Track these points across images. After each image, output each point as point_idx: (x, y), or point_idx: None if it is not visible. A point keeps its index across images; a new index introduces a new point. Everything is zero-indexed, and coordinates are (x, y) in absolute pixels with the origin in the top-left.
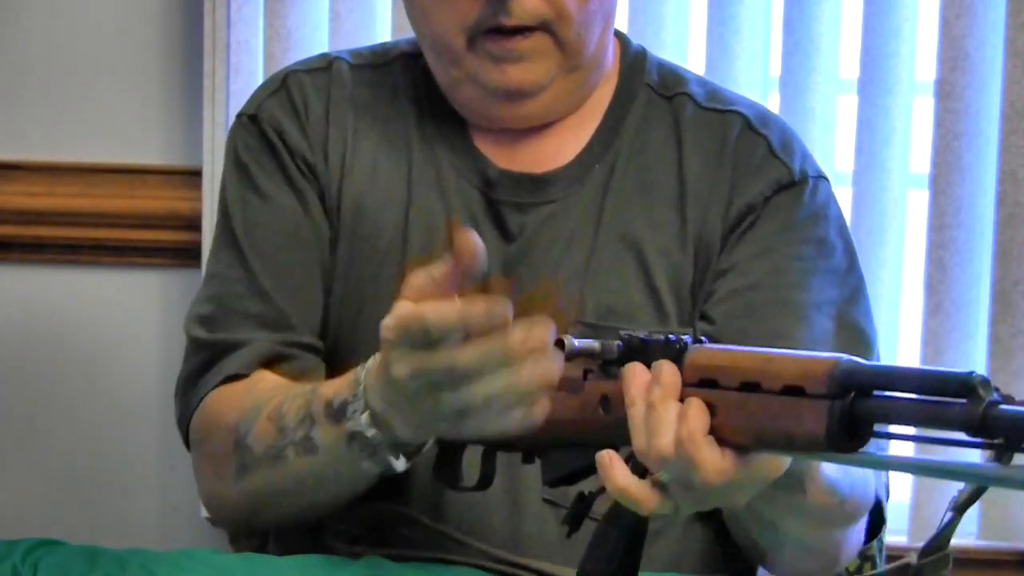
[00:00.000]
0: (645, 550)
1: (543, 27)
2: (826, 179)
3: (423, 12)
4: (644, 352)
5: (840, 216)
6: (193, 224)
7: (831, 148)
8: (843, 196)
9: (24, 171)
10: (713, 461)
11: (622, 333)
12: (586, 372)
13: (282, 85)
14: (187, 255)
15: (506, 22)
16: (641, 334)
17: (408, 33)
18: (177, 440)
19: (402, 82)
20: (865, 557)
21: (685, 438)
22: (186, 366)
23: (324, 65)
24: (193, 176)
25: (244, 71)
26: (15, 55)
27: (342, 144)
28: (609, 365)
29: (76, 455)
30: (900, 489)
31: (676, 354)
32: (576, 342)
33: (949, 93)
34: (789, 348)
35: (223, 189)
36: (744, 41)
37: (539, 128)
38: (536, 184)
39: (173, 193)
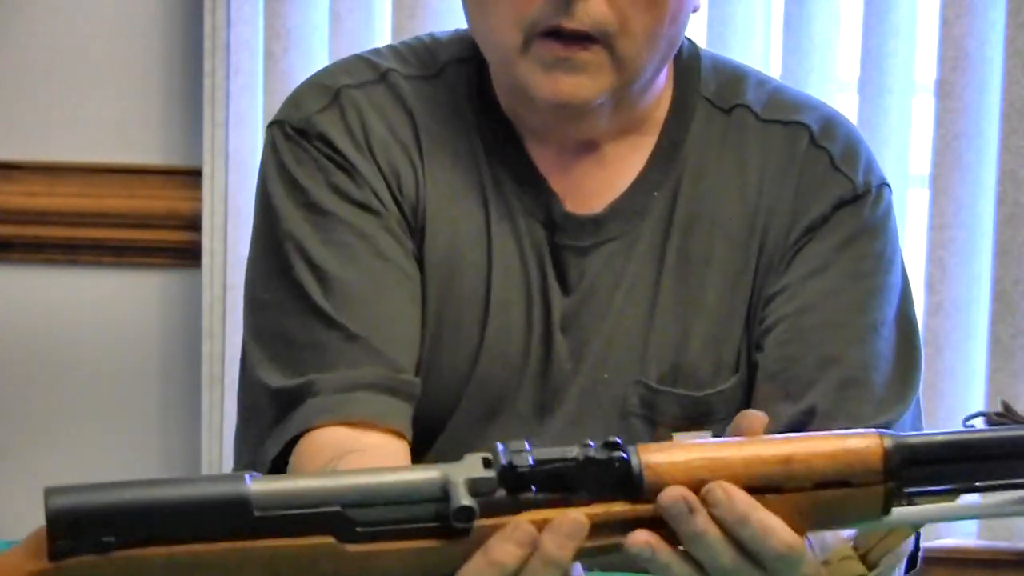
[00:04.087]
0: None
1: (603, 40)
2: (888, 186)
3: (480, 5)
4: (557, 476)
5: (896, 227)
6: (193, 224)
7: None
8: None
9: (24, 171)
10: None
11: (508, 461)
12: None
13: (334, 101)
14: (187, 255)
15: (567, 24)
16: (527, 458)
17: (407, 34)
18: (177, 440)
19: (459, 96)
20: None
21: (749, 517)
22: (255, 416)
23: (376, 77)
24: (193, 176)
25: (244, 71)
26: (15, 55)
27: (412, 171)
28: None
29: (76, 455)
30: None
31: (621, 476)
32: (469, 503)
33: (949, 93)
34: (842, 374)
35: (269, 208)
36: (744, 41)
37: (596, 145)
38: (597, 224)
39: (173, 193)
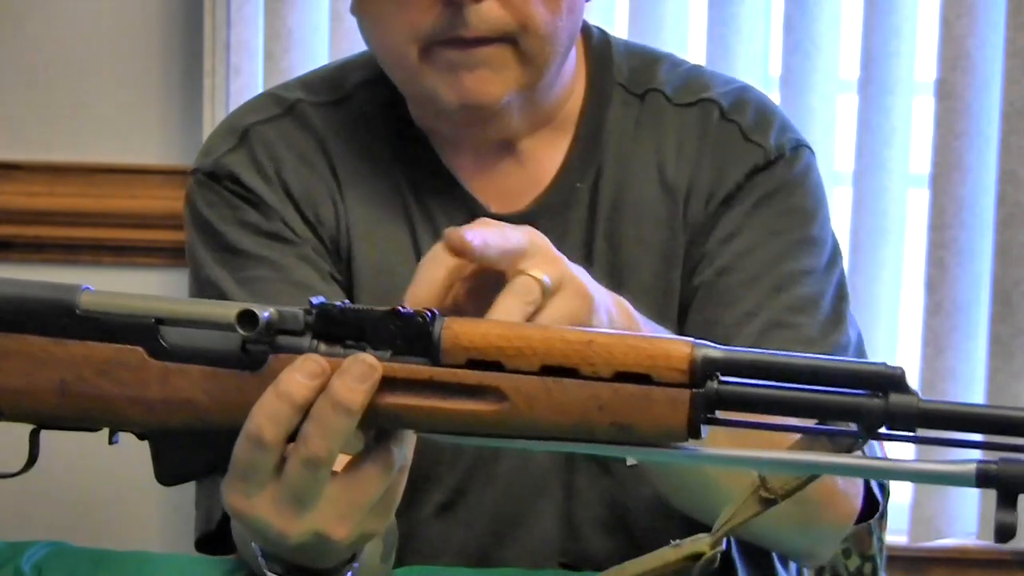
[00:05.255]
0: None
1: (505, 38)
2: (808, 147)
3: (375, 22)
4: (362, 325)
5: (820, 184)
6: None
7: (831, 148)
8: (843, 196)
9: (24, 171)
10: None
11: (319, 303)
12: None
13: (242, 140)
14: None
15: (464, 33)
16: (338, 303)
17: None
18: None
19: (370, 117)
20: (865, 557)
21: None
22: None
23: (282, 110)
24: None
25: (244, 71)
26: (16, 55)
27: (330, 197)
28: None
29: (76, 456)
30: (900, 489)
31: (422, 331)
32: (266, 314)
33: (949, 93)
34: (762, 322)
35: (192, 257)
36: (744, 41)
37: (512, 144)
38: (525, 222)
39: (173, 193)
